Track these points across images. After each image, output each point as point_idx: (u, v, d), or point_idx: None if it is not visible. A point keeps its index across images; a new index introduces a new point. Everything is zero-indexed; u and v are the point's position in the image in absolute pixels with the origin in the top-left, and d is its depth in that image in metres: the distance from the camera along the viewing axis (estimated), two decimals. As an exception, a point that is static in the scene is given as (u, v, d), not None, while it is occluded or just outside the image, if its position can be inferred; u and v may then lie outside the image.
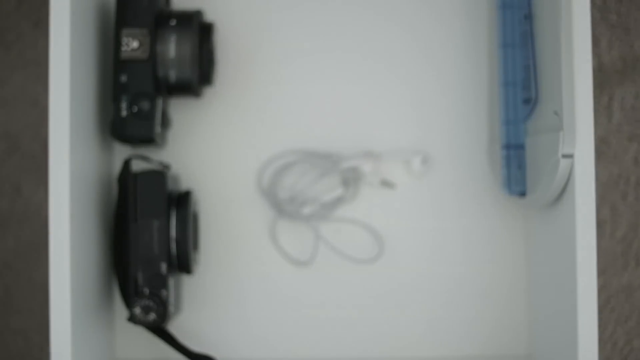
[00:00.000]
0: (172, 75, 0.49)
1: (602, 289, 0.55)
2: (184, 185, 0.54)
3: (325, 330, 0.54)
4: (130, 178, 0.49)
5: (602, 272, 0.54)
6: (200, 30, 0.50)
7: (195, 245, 0.51)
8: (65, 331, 0.43)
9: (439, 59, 0.55)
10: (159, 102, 0.50)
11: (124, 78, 0.49)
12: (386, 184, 0.54)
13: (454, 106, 0.54)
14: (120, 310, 0.53)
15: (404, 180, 0.54)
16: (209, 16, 0.53)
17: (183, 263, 0.50)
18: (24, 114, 0.55)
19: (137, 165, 0.51)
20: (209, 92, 0.54)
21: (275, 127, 0.54)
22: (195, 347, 0.52)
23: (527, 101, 0.49)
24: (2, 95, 0.55)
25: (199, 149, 0.54)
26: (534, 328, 0.52)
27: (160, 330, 0.50)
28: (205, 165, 0.54)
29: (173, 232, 0.49)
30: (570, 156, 0.43)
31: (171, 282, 0.49)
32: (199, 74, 0.50)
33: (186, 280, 0.54)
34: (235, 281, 0.54)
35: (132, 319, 0.49)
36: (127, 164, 0.50)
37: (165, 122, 0.51)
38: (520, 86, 0.50)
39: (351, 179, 0.54)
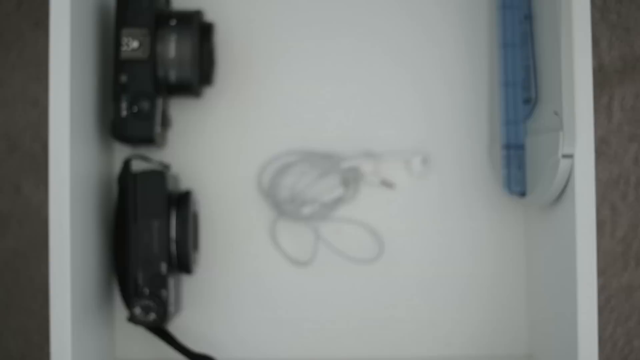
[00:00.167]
0: (172, 75, 0.49)
1: (602, 289, 0.55)
2: (184, 185, 0.54)
3: (325, 330, 0.54)
4: (130, 178, 0.49)
5: (602, 272, 0.54)
6: (200, 30, 0.50)
7: (195, 245, 0.51)
8: (65, 331, 0.43)
9: (439, 59, 0.55)
10: (159, 102, 0.50)
11: (124, 78, 0.49)
12: (386, 184, 0.54)
13: (454, 106, 0.54)
14: (120, 310, 0.53)
15: (404, 180, 0.54)
16: (209, 16, 0.53)
17: (183, 263, 0.50)
18: (24, 114, 0.55)
19: (137, 165, 0.51)
20: (209, 92, 0.54)
21: (275, 127, 0.54)
22: (195, 347, 0.52)
23: (527, 101, 0.49)
24: (2, 95, 0.55)
25: (199, 149, 0.54)
26: (534, 328, 0.52)
27: (160, 330, 0.50)
28: (205, 165, 0.54)
29: (173, 232, 0.49)
30: (570, 156, 0.43)
31: (171, 282, 0.49)
32: (199, 74, 0.50)
33: (186, 280, 0.54)
34: (235, 281, 0.54)
35: (132, 319, 0.49)
36: (127, 164, 0.50)
37: (165, 122, 0.51)
38: (520, 86, 0.50)
39: (351, 179, 0.54)
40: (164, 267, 0.49)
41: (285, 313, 0.54)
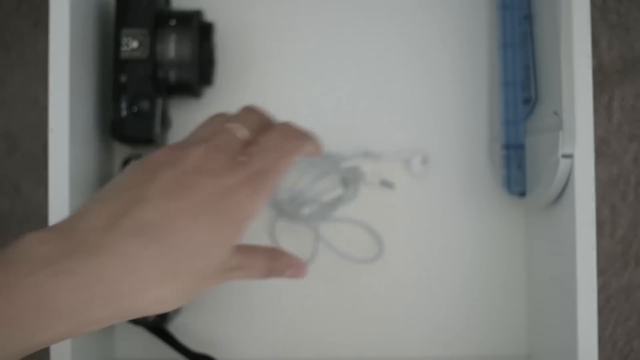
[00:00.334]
0: (172, 75, 0.49)
1: (602, 289, 0.55)
2: (184, 185, 0.54)
3: (325, 330, 0.54)
4: (130, 178, 0.49)
5: (602, 272, 0.54)
6: (200, 30, 0.50)
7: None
8: (65, 331, 0.43)
9: (438, 59, 0.55)
10: (159, 102, 0.50)
11: (123, 78, 0.49)
12: (386, 184, 0.54)
13: (454, 106, 0.54)
14: (120, 310, 0.53)
15: (404, 180, 0.54)
16: (209, 16, 0.53)
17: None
18: (24, 114, 0.55)
19: (137, 165, 0.51)
20: (209, 92, 0.54)
21: (275, 127, 0.54)
22: (195, 347, 0.52)
23: (527, 101, 0.49)
24: (2, 95, 0.55)
25: (199, 149, 0.54)
26: (534, 328, 0.52)
27: (160, 330, 0.50)
28: (205, 165, 0.54)
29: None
30: (570, 156, 0.43)
31: (171, 282, 0.49)
32: (199, 74, 0.50)
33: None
34: (235, 281, 0.54)
35: (132, 319, 0.49)
36: (127, 164, 0.50)
37: (165, 122, 0.51)
38: (520, 86, 0.50)
39: (351, 179, 0.54)
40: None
41: (285, 313, 0.54)
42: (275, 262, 0.43)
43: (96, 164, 0.50)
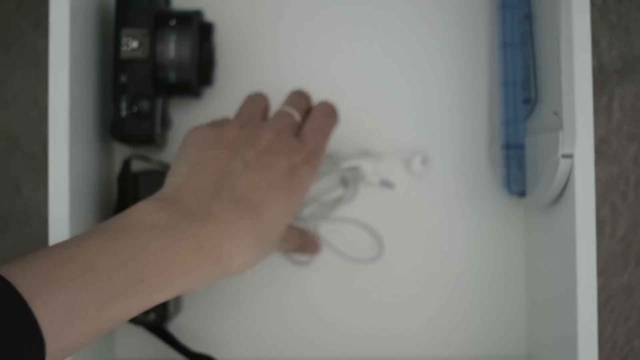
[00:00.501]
0: (172, 75, 0.49)
1: (602, 289, 0.55)
2: (184, 185, 0.54)
3: (325, 330, 0.54)
4: (130, 178, 0.49)
5: (602, 272, 0.54)
6: (200, 30, 0.50)
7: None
8: (65, 331, 0.43)
9: (439, 59, 0.55)
10: (159, 103, 0.50)
11: (123, 78, 0.49)
12: (386, 184, 0.54)
13: (453, 106, 0.54)
14: (120, 310, 0.53)
15: (404, 180, 0.54)
16: (209, 16, 0.53)
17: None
18: (24, 114, 0.55)
19: (137, 165, 0.51)
20: (209, 92, 0.54)
21: (275, 127, 0.54)
22: (195, 347, 0.52)
23: (527, 101, 0.49)
24: (2, 95, 0.55)
25: (199, 149, 0.54)
26: (534, 328, 0.52)
27: (160, 330, 0.50)
28: (205, 165, 0.54)
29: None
30: (570, 156, 0.43)
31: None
32: (199, 74, 0.50)
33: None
34: (235, 281, 0.54)
35: (132, 319, 0.49)
36: (127, 164, 0.50)
37: (165, 123, 0.51)
38: (520, 86, 0.50)
39: (351, 179, 0.54)
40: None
41: (285, 313, 0.54)
42: (304, 237, 0.50)
43: (96, 164, 0.50)
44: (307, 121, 0.47)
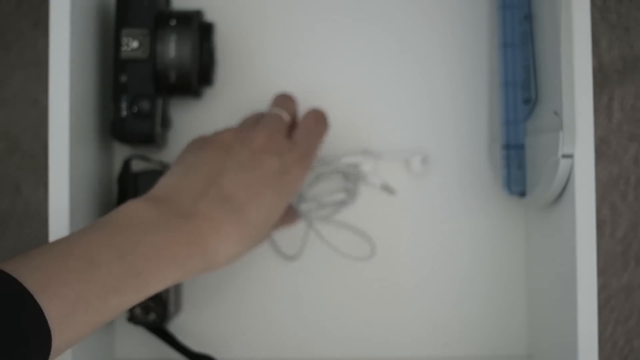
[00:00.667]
0: (172, 75, 0.49)
1: (602, 289, 0.55)
2: (184, 185, 0.54)
3: (325, 330, 0.54)
4: (130, 178, 0.49)
5: (602, 272, 0.54)
6: (200, 30, 0.50)
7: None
8: (65, 331, 0.43)
9: (439, 59, 0.55)
10: (159, 102, 0.50)
11: (124, 78, 0.49)
12: (387, 189, 0.54)
13: (454, 106, 0.54)
14: (120, 310, 0.53)
15: (404, 180, 0.54)
16: (209, 16, 0.53)
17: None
18: (24, 114, 0.55)
19: (137, 165, 0.51)
20: (209, 92, 0.54)
21: (275, 127, 0.54)
22: (195, 347, 0.52)
23: (527, 101, 0.49)
24: (2, 95, 0.55)
25: (199, 149, 0.54)
26: (534, 328, 0.52)
27: (160, 330, 0.50)
28: (205, 165, 0.54)
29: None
30: (570, 156, 0.43)
31: (171, 282, 0.49)
32: (199, 74, 0.50)
33: (186, 280, 0.54)
34: (235, 281, 0.54)
35: (132, 319, 0.49)
36: (127, 164, 0.50)
37: (165, 122, 0.51)
38: (520, 86, 0.50)
39: (351, 179, 0.54)
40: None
41: (285, 313, 0.54)
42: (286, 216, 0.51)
43: (96, 164, 0.50)
44: (298, 125, 0.49)
